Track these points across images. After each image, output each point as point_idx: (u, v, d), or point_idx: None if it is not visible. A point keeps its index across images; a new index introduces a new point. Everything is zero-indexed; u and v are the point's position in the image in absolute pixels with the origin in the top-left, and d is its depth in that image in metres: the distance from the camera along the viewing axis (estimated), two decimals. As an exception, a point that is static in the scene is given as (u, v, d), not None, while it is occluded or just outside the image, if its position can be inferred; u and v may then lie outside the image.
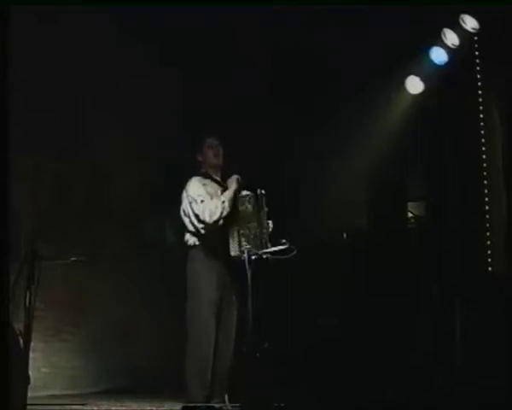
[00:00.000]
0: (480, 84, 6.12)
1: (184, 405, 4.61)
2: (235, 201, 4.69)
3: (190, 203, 4.69)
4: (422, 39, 6.08)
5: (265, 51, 6.27)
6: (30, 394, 4.17)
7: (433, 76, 6.28)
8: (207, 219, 4.59)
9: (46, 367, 5.82)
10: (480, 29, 5.94)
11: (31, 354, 4.22)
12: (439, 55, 6.20)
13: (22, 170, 4.93)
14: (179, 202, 4.83)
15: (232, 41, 6.10)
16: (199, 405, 4.54)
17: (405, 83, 6.48)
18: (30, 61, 5.37)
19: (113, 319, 6.10)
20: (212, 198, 4.65)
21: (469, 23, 5.99)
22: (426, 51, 6.25)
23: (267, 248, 4.65)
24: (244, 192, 4.73)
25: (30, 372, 4.23)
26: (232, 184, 4.72)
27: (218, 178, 4.85)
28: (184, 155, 5.16)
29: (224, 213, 4.59)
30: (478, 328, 5.78)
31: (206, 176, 4.82)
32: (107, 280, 6.11)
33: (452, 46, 6.11)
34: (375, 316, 6.28)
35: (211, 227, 4.60)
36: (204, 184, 4.74)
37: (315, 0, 5.77)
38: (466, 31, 6.02)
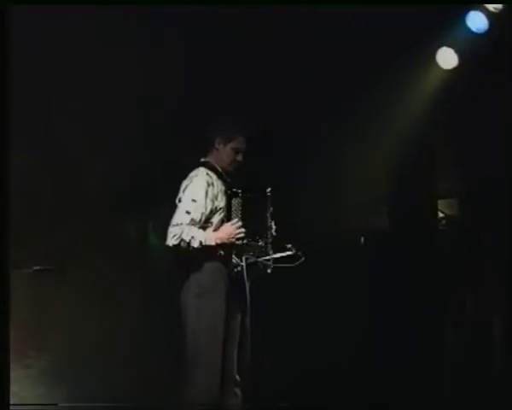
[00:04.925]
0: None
1: None
2: (239, 202, 4.51)
3: (180, 200, 4.47)
4: (457, 2, 5.68)
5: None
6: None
7: (470, 47, 5.88)
8: (167, 240, 4.41)
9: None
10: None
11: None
12: (477, 22, 5.77)
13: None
14: (164, 202, 4.77)
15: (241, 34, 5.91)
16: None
17: (436, 56, 6.07)
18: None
19: (86, 340, 5.68)
20: (200, 217, 4.43)
21: (514, -18, 5.54)
22: (461, 17, 5.82)
23: (269, 254, 4.52)
24: (250, 193, 4.56)
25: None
26: (227, 234, 4.45)
27: (224, 175, 4.60)
28: (171, 152, 5.24)
29: (183, 245, 4.35)
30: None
31: (214, 170, 4.57)
32: (78, 293, 5.69)
33: (494, 10, 5.66)
34: (396, 334, 6.13)
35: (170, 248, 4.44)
36: (210, 184, 4.49)
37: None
38: (510, -9, 5.59)
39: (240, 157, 4.57)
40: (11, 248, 3.68)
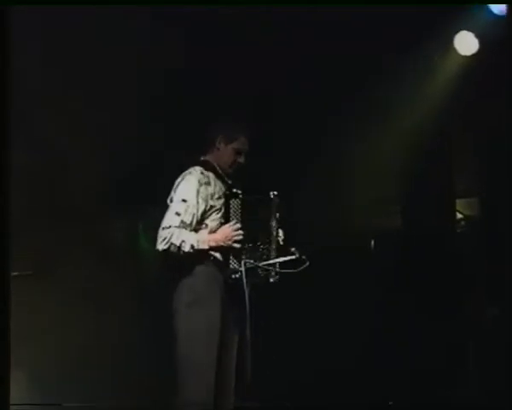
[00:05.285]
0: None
1: None
2: (238, 203, 4.39)
3: (171, 200, 4.36)
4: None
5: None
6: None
7: (492, 31, 5.61)
8: (157, 244, 4.31)
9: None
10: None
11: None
12: (499, 3, 5.49)
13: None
14: (154, 201, 4.75)
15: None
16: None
17: (454, 41, 5.90)
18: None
19: (68, 351, 5.58)
20: (191, 219, 4.29)
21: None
22: (482, -3, 5.64)
23: (271, 259, 4.36)
24: (252, 195, 4.46)
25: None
26: (223, 236, 4.32)
27: (224, 176, 4.51)
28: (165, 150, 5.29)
29: (173, 250, 4.23)
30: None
31: (211, 169, 4.47)
32: (59, 300, 5.55)
33: (519, -10, 5.48)
34: (411, 341, 5.99)
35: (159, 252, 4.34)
36: (203, 183, 4.38)
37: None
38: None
39: (241, 159, 4.48)
40: (11, 247, 3.68)
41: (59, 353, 5.61)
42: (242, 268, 4.20)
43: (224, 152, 4.49)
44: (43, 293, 5.52)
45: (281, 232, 4.49)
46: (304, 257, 4.28)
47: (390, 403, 5.40)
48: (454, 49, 5.91)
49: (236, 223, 4.29)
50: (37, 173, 5.71)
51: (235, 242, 4.26)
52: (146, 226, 5.82)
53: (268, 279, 4.29)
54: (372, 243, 6.50)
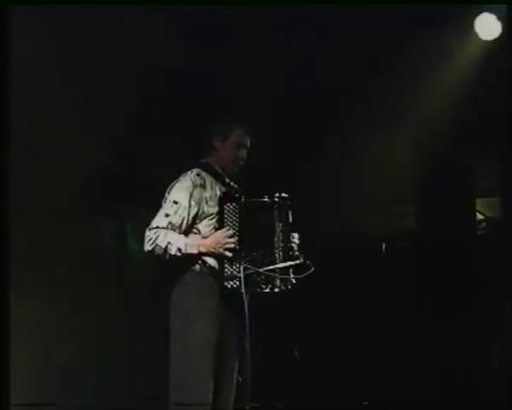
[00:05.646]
0: None
1: None
2: (234, 207, 4.16)
3: (164, 201, 4.19)
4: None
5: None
6: None
7: None
8: (144, 244, 4.15)
9: None
10: None
11: None
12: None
13: None
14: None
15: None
16: None
17: (474, 24, 5.74)
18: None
19: (44, 367, 5.36)
20: (180, 222, 4.10)
21: None
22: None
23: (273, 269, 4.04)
24: (252, 199, 4.20)
25: None
26: (213, 241, 4.08)
27: (225, 177, 4.34)
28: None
29: (158, 252, 4.04)
30: None
31: (210, 171, 4.29)
32: (35, 309, 5.29)
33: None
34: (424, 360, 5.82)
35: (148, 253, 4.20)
36: (197, 186, 4.19)
37: None
38: None
39: (242, 153, 4.31)
40: (12, 246, 3.76)
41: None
42: (241, 274, 3.90)
43: (222, 151, 4.36)
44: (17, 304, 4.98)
45: (296, 237, 4.24)
46: (309, 262, 4.02)
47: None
48: (474, 33, 5.76)
49: (230, 229, 4.08)
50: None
51: (228, 249, 4.03)
52: (134, 228, 5.71)
53: (273, 289, 4.00)
54: (383, 246, 6.40)
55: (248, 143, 4.37)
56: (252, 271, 3.94)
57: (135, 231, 5.76)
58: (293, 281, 4.04)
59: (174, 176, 4.31)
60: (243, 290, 3.92)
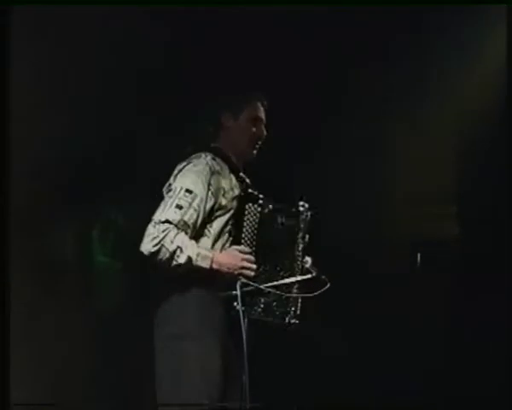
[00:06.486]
0: None
1: None
2: (256, 211, 3.68)
3: (169, 189, 3.56)
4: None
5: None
6: None
7: None
8: (143, 243, 3.46)
9: None
10: None
11: None
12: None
13: None
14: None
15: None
16: None
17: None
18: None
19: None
20: (195, 219, 3.50)
21: None
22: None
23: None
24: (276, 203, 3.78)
25: None
26: (229, 262, 3.51)
27: (239, 169, 3.80)
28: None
29: (162, 257, 3.39)
30: None
31: (224, 158, 3.74)
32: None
33: None
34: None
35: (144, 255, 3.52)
36: (215, 172, 3.63)
37: None
38: None
39: (260, 130, 3.79)
40: (12, 246, 3.74)
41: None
42: (238, 292, 3.43)
43: (236, 129, 3.82)
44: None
45: (309, 260, 3.82)
46: (324, 277, 3.57)
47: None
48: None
49: (249, 242, 3.62)
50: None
51: (240, 275, 3.52)
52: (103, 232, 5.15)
53: (284, 319, 3.57)
54: (418, 256, 5.86)
55: (264, 118, 3.85)
56: (251, 287, 3.47)
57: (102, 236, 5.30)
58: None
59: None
60: (240, 310, 3.43)
